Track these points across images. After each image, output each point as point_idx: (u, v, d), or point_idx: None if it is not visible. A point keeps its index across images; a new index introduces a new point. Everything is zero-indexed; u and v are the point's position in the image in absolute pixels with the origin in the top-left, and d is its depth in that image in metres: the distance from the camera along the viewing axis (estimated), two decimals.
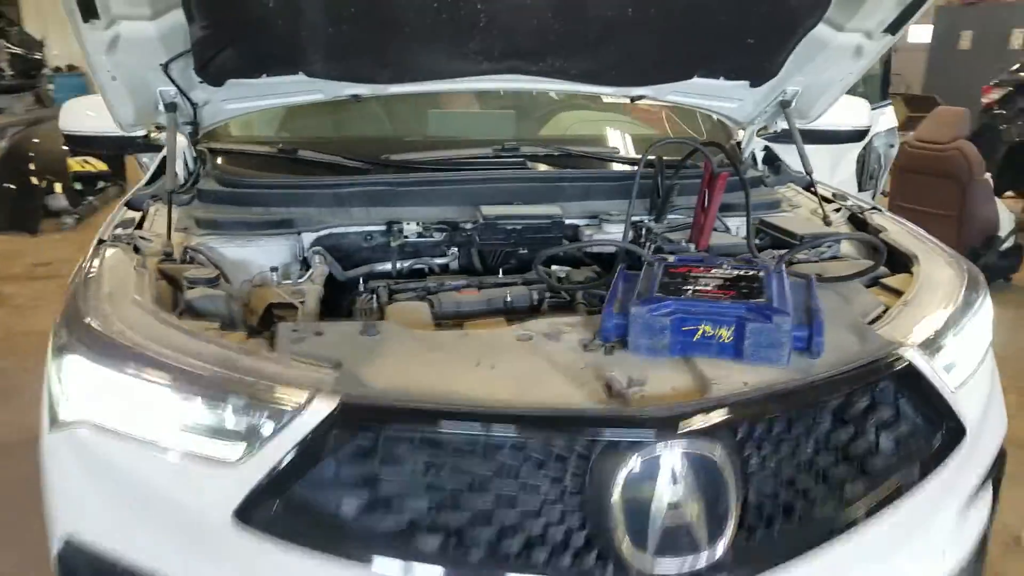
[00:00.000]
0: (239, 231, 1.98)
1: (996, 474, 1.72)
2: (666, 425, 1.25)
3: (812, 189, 2.53)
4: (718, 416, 1.28)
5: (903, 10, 2.08)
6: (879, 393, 1.48)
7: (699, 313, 1.43)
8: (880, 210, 2.36)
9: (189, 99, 2.06)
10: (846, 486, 1.42)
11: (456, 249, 2.17)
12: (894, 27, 2.15)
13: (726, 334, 1.42)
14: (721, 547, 1.28)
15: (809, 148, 2.56)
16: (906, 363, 1.48)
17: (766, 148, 2.80)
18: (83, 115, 2.56)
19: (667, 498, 1.26)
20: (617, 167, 2.53)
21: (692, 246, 2.07)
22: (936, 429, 1.53)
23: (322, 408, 1.24)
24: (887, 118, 4.91)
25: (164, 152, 2.25)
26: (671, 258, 1.69)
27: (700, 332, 1.43)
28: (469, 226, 2.14)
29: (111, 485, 1.35)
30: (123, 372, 1.34)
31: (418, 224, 2.12)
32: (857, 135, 3.04)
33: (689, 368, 1.42)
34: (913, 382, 1.49)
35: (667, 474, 1.26)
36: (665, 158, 2.30)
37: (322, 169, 2.31)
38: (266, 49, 1.94)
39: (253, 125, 2.62)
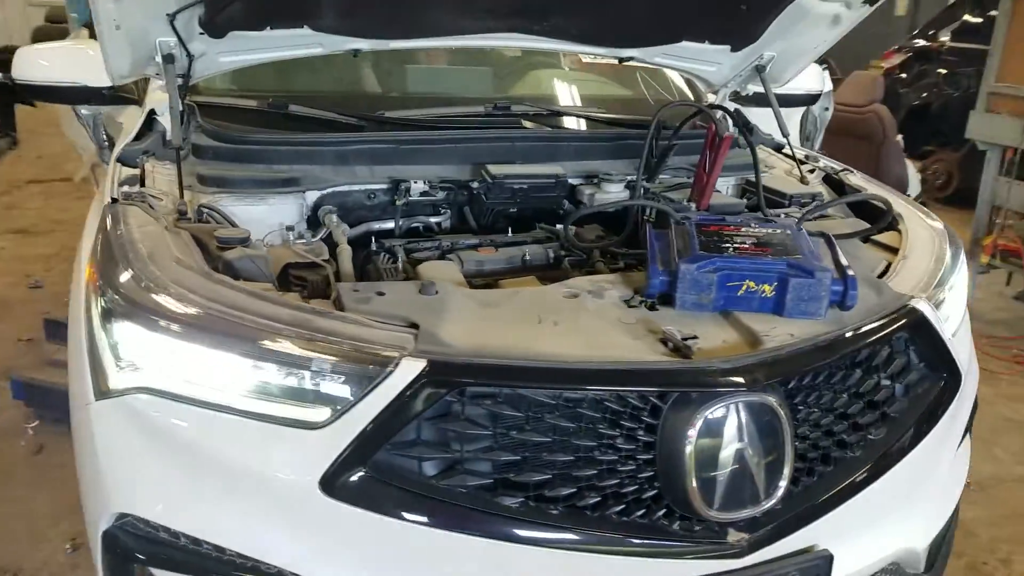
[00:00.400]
0: (249, 188, 1.91)
1: (971, 422, 1.91)
2: (736, 376, 1.33)
3: (784, 151, 2.66)
4: (777, 367, 1.37)
5: None
6: (895, 343, 1.62)
7: (744, 269, 1.51)
8: (851, 171, 2.52)
9: (188, 51, 1.96)
10: (874, 432, 1.55)
11: (448, 208, 2.18)
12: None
13: (768, 289, 1.52)
14: (779, 494, 1.38)
15: (760, 111, 2.69)
16: (920, 314, 1.62)
17: (736, 111, 2.91)
18: (37, 64, 2.38)
19: (733, 448, 1.34)
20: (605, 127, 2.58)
21: (693, 205, 2.16)
22: (940, 376, 1.69)
23: (411, 368, 1.24)
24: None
25: (148, 106, 2.14)
26: (695, 217, 1.76)
27: (744, 287, 1.52)
28: (476, 185, 2.15)
29: (174, 456, 1.31)
30: (188, 338, 1.30)
31: (425, 183, 2.12)
32: (811, 99, 3.21)
33: (731, 323, 1.51)
34: (925, 332, 1.63)
35: (733, 425, 1.34)
36: (647, 118, 2.36)
37: (316, 125, 2.25)
38: (278, 1, 1.86)
39: (231, 79, 2.51)
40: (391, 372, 1.24)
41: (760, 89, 2.67)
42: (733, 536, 1.38)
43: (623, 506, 1.34)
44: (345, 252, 1.74)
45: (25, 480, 2.77)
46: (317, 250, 1.78)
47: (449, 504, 1.27)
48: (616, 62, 2.57)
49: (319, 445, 1.25)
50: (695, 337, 1.43)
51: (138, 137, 2.13)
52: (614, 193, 2.25)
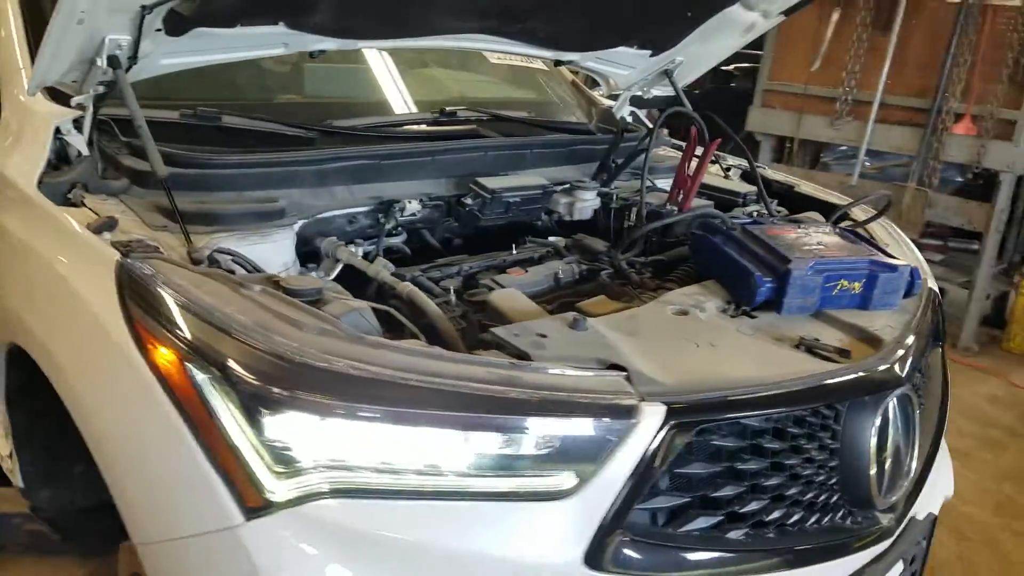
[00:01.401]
0: (250, 224, 1.56)
1: None
2: (898, 371, 1.39)
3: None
4: (910, 357, 1.46)
5: None
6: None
7: (843, 270, 1.58)
8: (763, 167, 2.74)
9: (136, 51, 1.54)
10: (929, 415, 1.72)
11: (427, 228, 1.99)
12: (791, 10, 2.48)
13: (857, 286, 1.60)
14: (915, 473, 1.48)
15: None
16: (935, 292, 1.82)
17: (632, 113, 3.01)
18: None
19: (891, 437, 1.41)
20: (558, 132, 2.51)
21: (675, 208, 2.19)
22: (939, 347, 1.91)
23: (653, 415, 1.12)
24: None
25: (38, 123, 1.64)
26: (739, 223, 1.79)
27: (838, 287, 1.59)
28: (470, 200, 1.98)
29: (384, 565, 1.04)
30: (382, 418, 1.04)
31: (420, 202, 1.90)
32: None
33: (829, 322, 1.57)
34: (938, 307, 1.84)
35: (890, 419, 1.41)
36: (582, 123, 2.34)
37: (251, 139, 1.90)
38: None
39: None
40: (636, 423, 1.10)
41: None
42: (884, 518, 1.45)
43: (816, 515, 1.34)
44: (417, 295, 1.49)
45: None
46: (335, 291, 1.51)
47: (712, 549, 1.17)
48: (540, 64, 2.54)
49: (572, 516, 1.08)
50: (817, 339, 1.47)
51: (57, 165, 1.64)
52: (590, 201, 2.21)
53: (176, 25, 1.51)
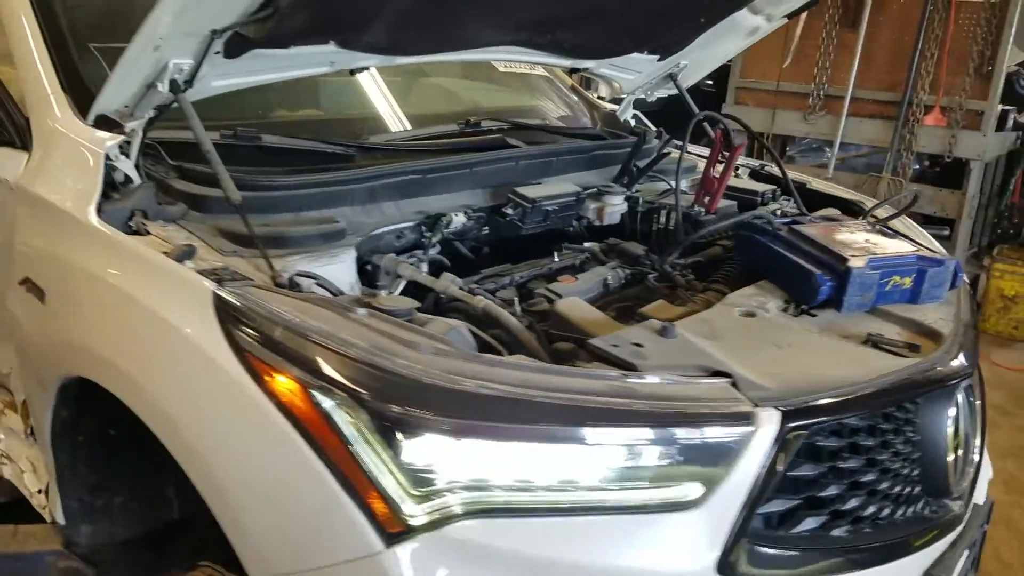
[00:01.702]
0: (316, 245, 1.55)
1: None
2: (966, 363, 1.45)
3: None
4: (970, 347, 1.53)
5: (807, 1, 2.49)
6: None
7: (894, 266, 1.64)
8: (768, 164, 2.81)
9: (196, 75, 1.51)
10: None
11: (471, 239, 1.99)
12: (793, 13, 2.56)
13: (908, 281, 1.66)
14: (978, 459, 1.55)
15: None
16: (967, 282, 1.90)
17: (635, 116, 3.05)
18: None
19: (961, 429, 1.48)
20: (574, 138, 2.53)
21: (702, 209, 2.23)
22: None
23: (770, 421, 1.14)
24: None
25: (82, 151, 1.59)
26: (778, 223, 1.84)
27: (891, 283, 1.65)
28: (510, 211, 1.99)
29: None
30: (515, 435, 1.05)
31: (464, 214, 1.91)
32: None
33: (884, 317, 1.63)
34: (972, 296, 1.92)
35: (960, 408, 1.47)
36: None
37: (293, 158, 1.89)
38: (336, 13, 1.53)
39: None
40: (754, 429, 1.14)
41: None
42: (955, 506, 1.51)
43: (901, 508, 1.39)
44: (494, 309, 1.49)
45: None
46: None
47: (822, 549, 1.21)
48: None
49: (702, 525, 1.10)
50: (881, 335, 1.53)
51: (109, 190, 1.60)
52: (618, 206, 2.24)
53: (237, 48, 1.48)
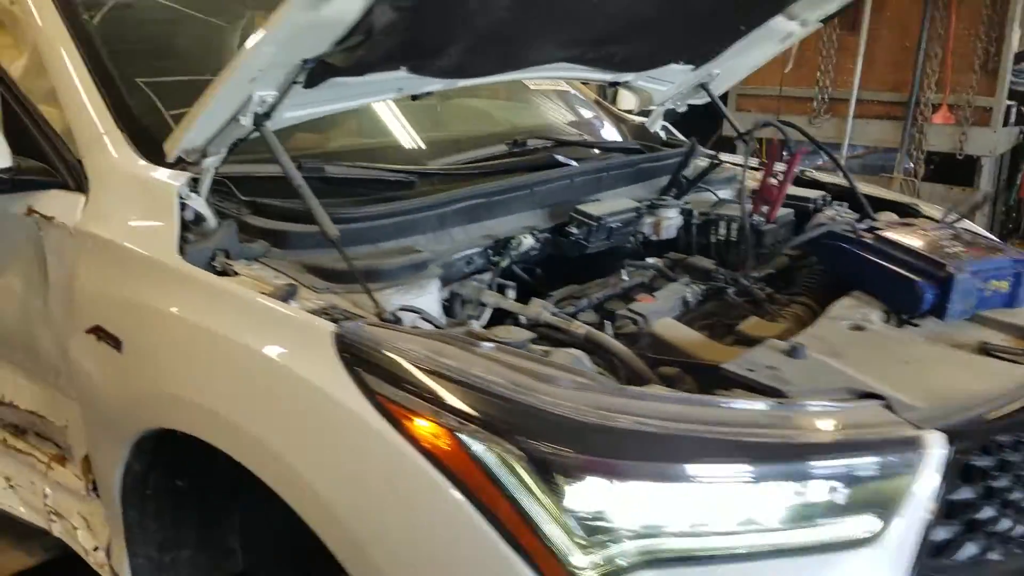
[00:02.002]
0: (406, 277, 1.48)
1: None
2: None
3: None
4: None
5: (845, 4, 2.48)
6: None
7: (993, 270, 1.60)
8: (806, 170, 2.79)
9: (274, 107, 1.45)
10: None
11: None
12: (828, 18, 2.54)
13: (1005, 285, 1.63)
14: None
15: None
16: None
17: (664, 127, 3.02)
18: None
19: None
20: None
21: (763, 219, 2.19)
22: None
23: (938, 445, 1.09)
24: None
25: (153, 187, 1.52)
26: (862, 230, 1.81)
27: (989, 288, 1.61)
28: (575, 230, 1.94)
29: None
30: (683, 477, 0.99)
31: (532, 236, 1.86)
32: None
33: (986, 323, 1.59)
34: None
35: None
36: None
37: (356, 187, 1.83)
38: (422, 38, 1.47)
39: None
40: (922, 453, 1.08)
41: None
42: None
43: None
44: (598, 335, 1.44)
45: None
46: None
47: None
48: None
49: (884, 561, 1.04)
50: (991, 343, 1.49)
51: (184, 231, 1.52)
52: (674, 219, 2.20)
53: (317, 77, 1.42)
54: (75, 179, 1.66)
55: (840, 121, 4.73)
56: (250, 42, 1.21)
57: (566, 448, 0.98)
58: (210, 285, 1.31)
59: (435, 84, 1.78)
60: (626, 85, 2.55)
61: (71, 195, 1.65)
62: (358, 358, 1.11)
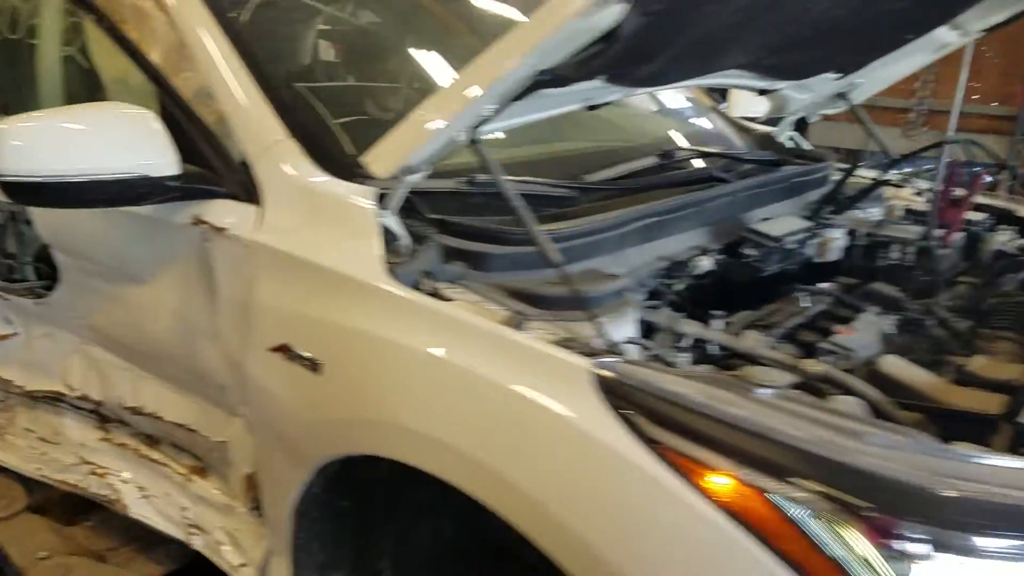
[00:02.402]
0: (612, 304, 1.38)
1: None
2: None
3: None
4: None
5: (1013, 15, 2.33)
6: None
7: None
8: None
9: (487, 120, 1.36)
10: None
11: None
12: (993, 28, 2.40)
13: None
14: None
15: None
16: None
17: (791, 138, 2.90)
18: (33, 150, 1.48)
19: None
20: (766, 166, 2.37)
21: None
22: None
23: None
24: None
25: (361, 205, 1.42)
26: None
27: None
28: (751, 252, 1.82)
29: None
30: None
31: (709, 257, 1.74)
32: None
33: None
34: None
35: None
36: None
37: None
38: (643, 46, 1.37)
39: None
40: None
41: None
42: None
43: None
44: (839, 375, 1.32)
45: None
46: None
47: None
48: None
49: None
50: None
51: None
52: (840, 240, 2.07)
53: (530, 88, 1.33)
54: (245, 189, 1.58)
55: (938, 134, 4.56)
56: (511, 52, 1.12)
57: (914, 518, 0.88)
58: (435, 311, 1.22)
59: (618, 93, 1.68)
60: (771, 93, 2.43)
61: (242, 206, 1.57)
62: (627, 401, 1.01)
